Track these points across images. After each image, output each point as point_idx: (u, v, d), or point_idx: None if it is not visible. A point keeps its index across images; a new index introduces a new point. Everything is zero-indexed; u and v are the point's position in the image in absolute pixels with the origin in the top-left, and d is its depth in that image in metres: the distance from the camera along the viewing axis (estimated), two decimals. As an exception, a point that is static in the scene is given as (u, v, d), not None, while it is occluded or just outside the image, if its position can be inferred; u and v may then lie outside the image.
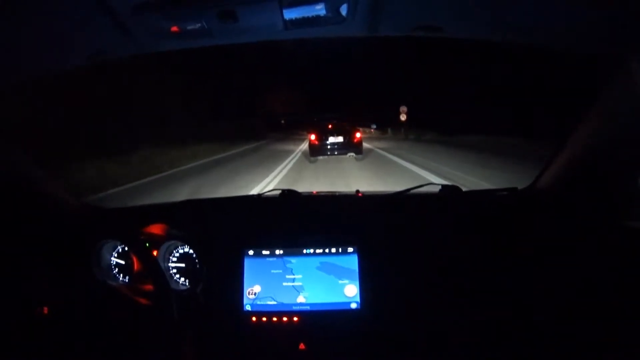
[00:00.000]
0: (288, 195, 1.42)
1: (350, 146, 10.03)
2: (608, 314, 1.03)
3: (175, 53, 0.98)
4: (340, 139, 10.07)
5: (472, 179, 6.28)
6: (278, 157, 11.74)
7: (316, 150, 10.22)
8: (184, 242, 1.27)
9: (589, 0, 0.71)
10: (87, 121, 9.16)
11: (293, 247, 1.19)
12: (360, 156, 10.19)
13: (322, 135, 10.12)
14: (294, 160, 10.99)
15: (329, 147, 10.05)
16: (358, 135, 10.32)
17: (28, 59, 0.86)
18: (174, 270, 1.29)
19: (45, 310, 1.11)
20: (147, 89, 12.96)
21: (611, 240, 1.08)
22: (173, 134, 12.92)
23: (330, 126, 10.44)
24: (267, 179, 7.34)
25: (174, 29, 0.81)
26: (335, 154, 10.00)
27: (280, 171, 8.65)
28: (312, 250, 1.18)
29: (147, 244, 1.22)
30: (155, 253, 1.24)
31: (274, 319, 1.14)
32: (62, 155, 6.88)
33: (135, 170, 8.76)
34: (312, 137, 10.30)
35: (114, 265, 1.30)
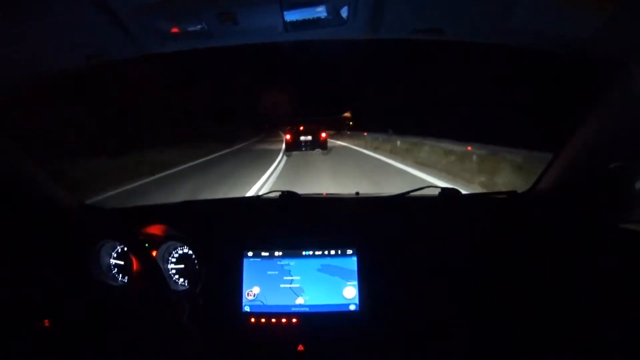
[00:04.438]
0: (287, 197, 1.42)
1: (317, 144, 12.69)
2: (607, 315, 1.04)
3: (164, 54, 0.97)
4: (309, 137, 12.65)
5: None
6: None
7: (290, 147, 12.68)
8: (184, 243, 1.27)
9: (589, 4, 0.71)
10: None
11: (292, 248, 1.19)
12: (325, 151, 12.78)
13: (295, 135, 12.65)
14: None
15: (301, 144, 12.57)
16: (324, 135, 13.03)
17: (28, 59, 0.86)
18: (173, 271, 1.29)
19: (46, 323, 1.12)
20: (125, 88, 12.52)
21: (610, 243, 1.08)
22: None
23: (301, 128, 12.97)
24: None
25: (174, 30, 0.81)
26: (308, 149, 12.57)
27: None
28: (311, 252, 1.18)
29: (147, 245, 1.22)
30: (154, 254, 1.23)
31: (273, 320, 1.14)
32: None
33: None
34: (287, 136, 12.92)
35: (113, 265, 1.30)
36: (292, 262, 1.18)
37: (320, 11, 0.77)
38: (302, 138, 12.59)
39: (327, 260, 1.17)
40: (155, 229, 1.26)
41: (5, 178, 1.10)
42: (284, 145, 13.50)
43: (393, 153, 12.41)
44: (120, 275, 1.29)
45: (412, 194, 1.40)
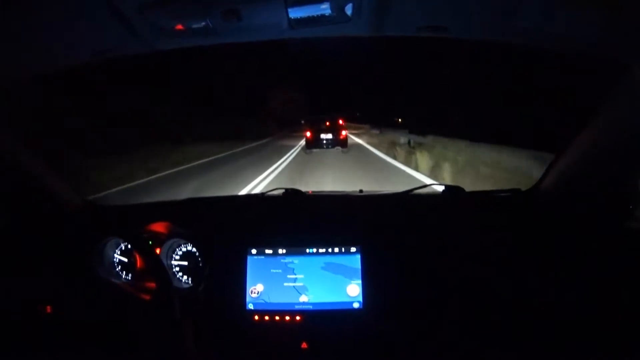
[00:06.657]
0: (291, 195, 1.42)
1: (337, 142, 12.79)
2: (610, 315, 1.04)
3: (183, 50, 0.97)
4: (330, 135, 12.80)
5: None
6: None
7: (311, 145, 12.99)
8: (187, 240, 1.27)
9: (595, 5, 0.70)
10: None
11: (296, 246, 1.19)
12: (345, 149, 12.83)
13: (315, 133, 12.85)
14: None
15: (322, 141, 12.80)
16: (344, 133, 13.05)
17: (33, 55, 0.86)
18: (177, 268, 1.29)
19: (49, 309, 1.11)
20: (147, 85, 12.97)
21: (613, 241, 1.08)
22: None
23: (321, 126, 13.03)
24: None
25: (179, 27, 0.81)
26: (328, 148, 12.73)
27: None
28: (315, 250, 1.18)
29: (150, 242, 1.22)
30: (158, 251, 1.24)
31: (277, 317, 1.14)
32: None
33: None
34: (308, 134, 13.17)
35: (117, 262, 1.30)
36: (295, 260, 1.18)
37: (325, 8, 0.77)
38: (323, 136, 12.82)
39: (331, 258, 1.17)
40: (159, 226, 1.26)
41: (9, 175, 1.10)
42: (304, 142, 14.18)
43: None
44: (124, 272, 1.30)
45: (416, 191, 1.40)
